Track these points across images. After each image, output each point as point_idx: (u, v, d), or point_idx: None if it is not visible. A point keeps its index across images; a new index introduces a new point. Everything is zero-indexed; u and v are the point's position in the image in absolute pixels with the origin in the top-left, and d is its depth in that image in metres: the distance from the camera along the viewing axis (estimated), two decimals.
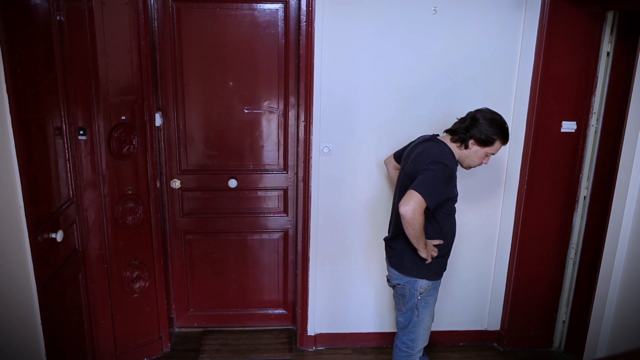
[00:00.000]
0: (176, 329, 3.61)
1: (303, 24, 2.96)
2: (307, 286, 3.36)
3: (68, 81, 2.54)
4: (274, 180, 3.37)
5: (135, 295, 3.13)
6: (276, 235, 3.49)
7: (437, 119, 3.13)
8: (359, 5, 2.93)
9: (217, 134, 3.27)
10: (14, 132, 1.97)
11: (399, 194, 2.57)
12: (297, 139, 3.26)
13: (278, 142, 3.31)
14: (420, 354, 2.76)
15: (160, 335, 3.32)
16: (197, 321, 3.63)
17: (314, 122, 3.07)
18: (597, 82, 3.08)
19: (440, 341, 3.55)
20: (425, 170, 2.39)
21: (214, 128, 3.26)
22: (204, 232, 3.45)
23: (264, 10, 3.08)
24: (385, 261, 2.77)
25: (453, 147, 2.52)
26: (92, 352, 2.90)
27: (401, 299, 2.64)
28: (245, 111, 3.24)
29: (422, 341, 2.71)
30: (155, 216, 3.11)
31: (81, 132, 2.67)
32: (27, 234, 2.06)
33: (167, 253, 3.43)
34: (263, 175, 3.37)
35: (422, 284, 2.58)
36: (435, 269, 2.59)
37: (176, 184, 3.33)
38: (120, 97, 2.82)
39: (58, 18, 2.43)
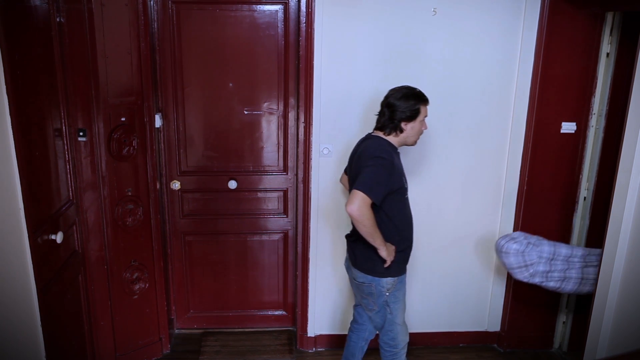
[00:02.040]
0: (176, 330, 3.61)
1: (303, 25, 2.96)
2: (307, 287, 3.36)
3: (68, 83, 2.54)
4: (273, 181, 3.37)
5: (135, 297, 3.12)
6: (276, 237, 3.49)
7: (437, 120, 3.13)
8: (358, 6, 2.93)
9: (217, 135, 3.27)
10: (13, 134, 1.97)
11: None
12: (297, 140, 3.26)
13: (278, 143, 3.31)
14: (405, 349, 2.78)
15: (160, 336, 3.32)
16: (197, 322, 3.62)
17: (313, 123, 3.07)
18: (596, 83, 3.08)
19: (440, 342, 3.55)
20: (364, 167, 2.45)
21: (213, 129, 3.26)
22: (204, 233, 3.45)
23: (264, 11, 3.08)
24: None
25: (390, 138, 2.57)
26: (92, 353, 2.90)
27: (370, 298, 2.66)
28: (245, 112, 3.24)
29: (403, 337, 2.73)
30: (155, 217, 3.11)
31: (81, 134, 2.67)
32: (27, 235, 2.06)
33: (167, 254, 3.43)
34: (263, 176, 3.37)
35: (387, 281, 2.60)
36: (397, 264, 2.60)
37: (176, 185, 3.33)
38: (120, 98, 2.82)
39: (58, 19, 2.44)
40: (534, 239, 2.76)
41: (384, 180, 2.43)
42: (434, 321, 3.51)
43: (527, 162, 3.13)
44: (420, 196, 3.24)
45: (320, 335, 3.48)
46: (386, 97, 2.57)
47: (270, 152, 3.33)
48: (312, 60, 2.98)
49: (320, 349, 3.49)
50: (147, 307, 3.20)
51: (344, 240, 3.29)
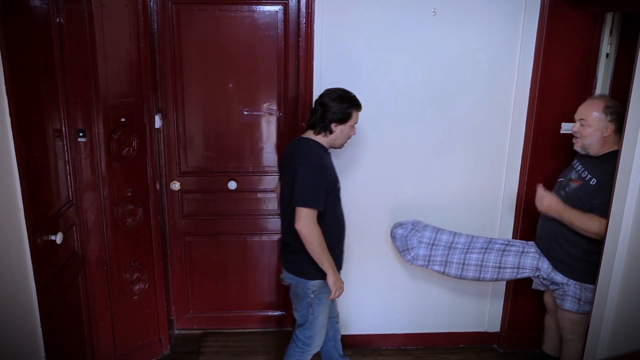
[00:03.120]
0: (176, 331, 3.61)
1: (302, 25, 2.96)
2: None
3: (68, 83, 2.54)
4: (273, 182, 3.36)
5: (135, 297, 3.12)
6: (276, 237, 3.49)
7: (437, 120, 3.14)
8: (358, 7, 2.93)
9: (216, 135, 3.27)
10: (13, 134, 1.97)
11: (282, 200, 2.64)
12: None
13: (278, 143, 3.31)
14: (315, 351, 2.79)
15: (160, 337, 3.31)
16: (197, 323, 3.62)
17: None
18: (596, 83, 3.08)
19: (439, 343, 3.55)
20: (297, 175, 2.46)
21: (213, 130, 3.26)
22: (204, 234, 3.45)
23: (264, 12, 3.08)
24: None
25: (319, 138, 2.58)
26: (91, 354, 2.90)
27: (296, 298, 2.68)
28: (245, 113, 3.24)
29: (319, 338, 2.74)
30: (155, 218, 3.11)
31: (81, 134, 2.67)
32: (26, 236, 2.06)
33: (167, 255, 3.43)
34: (263, 177, 3.37)
35: (314, 283, 2.61)
36: (335, 262, 2.61)
37: (176, 185, 3.33)
38: (119, 99, 2.82)
39: (58, 20, 2.44)
40: (420, 225, 2.97)
41: (319, 185, 2.46)
42: (433, 322, 3.51)
43: (527, 163, 3.13)
44: (420, 197, 3.24)
45: None
46: (320, 96, 2.58)
47: (270, 152, 3.33)
48: (312, 60, 2.98)
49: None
50: (147, 308, 3.20)
51: (344, 241, 3.30)
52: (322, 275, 2.59)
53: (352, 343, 3.50)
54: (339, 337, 2.97)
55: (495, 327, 3.54)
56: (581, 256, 2.66)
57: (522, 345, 3.47)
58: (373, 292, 3.42)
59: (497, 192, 3.30)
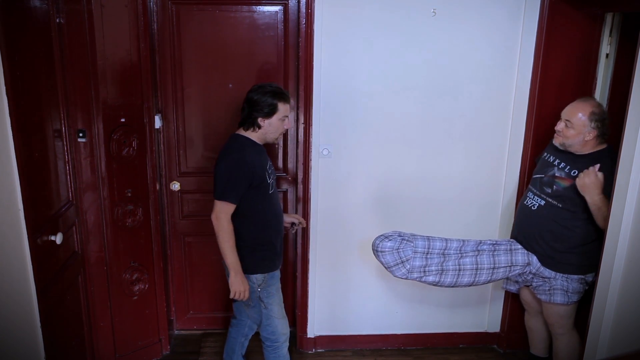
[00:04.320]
0: (176, 332, 3.61)
1: (302, 26, 2.96)
2: (307, 288, 3.35)
3: (67, 83, 2.54)
4: None
5: (135, 298, 3.12)
6: None
7: (437, 121, 3.14)
8: (358, 7, 2.93)
9: (216, 136, 3.27)
10: (13, 135, 1.97)
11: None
12: (297, 141, 3.25)
13: (277, 144, 3.31)
14: (286, 343, 2.82)
15: (160, 337, 3.31)
16: (197, 323, 3.62)
17: (313, 124, 3.07)
18: (596, 83, 3.08)
19: (439, 343, 3.55)
20: (216, 171, 2.55)
21: (213, 130, 3.26)
22: (204, 234, 3.43)
23: (264, 12, 3.08)
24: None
25: (249, 134, 2.62)
26: (91, 354, 2.89)
27: None
28: None
29: (283, 329, 2.78)
30: (155, 218, 3.11)
31: (80, 135, 2.67)
32: (26, 236, 2.06)
33: (167, 255, 3.42)
34: None
35: (257, 277, 2.64)
36: (264, 261, 2.66)
37: (176, 186, 3.33)
38: (119, 99, 2.82)
39: (58, 20, 2.43)
40: (407, 235, 2.79)
41: (236, 179, 2.50)
42: (433, 322, 3.51)
43: (527, 163, 3.13)
44: (420, 197, 3.24)
45: (320, 336, 3.47)
46: (247, 93, 2.61)
47: (269, 153, 3.32)
48: (312, 61, 2.98)
49: (320, 350, 3.49)
50: (147, 308, 3.20)
51: (344, 241, 3.31)
52: (263, 269, 2.65)
53: (352, 343, 3.50)
54: (247, 339, 2.97)
55: (495, 327, 3.54)
56: (566, 250, 2.71)
57: (522, 345, 3.46)
58: (373, 292, 3.42)
59: (497, 191, 3.30)
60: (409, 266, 2.74)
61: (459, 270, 2.77)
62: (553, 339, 2.94)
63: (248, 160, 2.53)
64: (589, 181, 2.54)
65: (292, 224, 3.01)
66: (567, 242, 2.70)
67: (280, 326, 2.77)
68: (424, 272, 2.77)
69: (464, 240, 2.84)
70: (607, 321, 2.34)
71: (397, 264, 2.75)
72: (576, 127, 2.61)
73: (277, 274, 2.76)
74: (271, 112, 2.57)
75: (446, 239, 2.82)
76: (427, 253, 2.77)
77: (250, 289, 2.64)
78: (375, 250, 2.78)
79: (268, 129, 2.61)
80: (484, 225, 3.34)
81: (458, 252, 2.80)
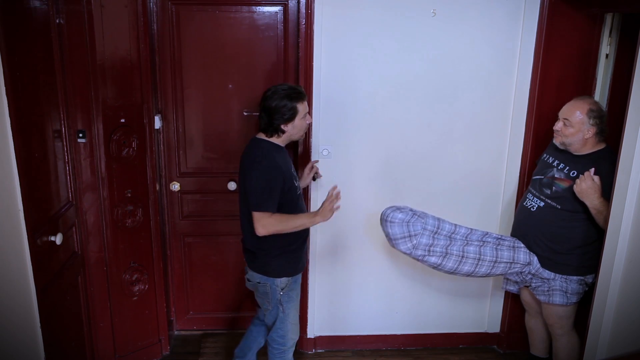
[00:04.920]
0: (175, 332, 3.61)
1: (302, 26, 2.96)
2: (307, 289, 3.35)
3: (67, 84, 2.54)
4: None
5: (135, 298, 3.12)
6: None
7: (437, 121, 3.14)
8: (358, 7, 2.93)
9: (216, 136, 3.27)
10: (13, 135, 1.97)
11: (239, 200, 2.66)
12: (297, 142, 3.25)
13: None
14: (293, 348, 2.82)
15: (160, 338, 3.31)
16: (197, 324, 3.62)
17: (313, 124, 3.07)
18: (596, 83, 3.08)
19: (439, 343, 3.55)
20: (248, 180, 2.50)
21: (213, 130, 3.26)
22: (204, 234, 3.44)
23: (263, 12, 3.08)
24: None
25: (273, 139, 2.57)
26: (91, 355, 2.89)
27: (265, 298, 2.70)
28: (245, 114, 3.24)
29: (293, 335, 2.77)
30: (155, 219, 3.11)
31: (80, 135, 2.67)
32: (26, 237, 2.06)
33: (167, 256, 3.42)
34: None
35: (282, 280, 2.63)
36: (290, 264, 2.64)
37: (175, 186, 3.33)
38: (119, 99, 2.81)
39: (57, 21, 2.43)
40: (419, 211, 2.74)
41: (272, 186, 2.47)
42: (433, 322, 3.51)
43: (527, 164, 3.13)
44: (420, 197, 3.24)
45: (320, 337, 3.47)
46: (263, 100, 2.55)
47: None
48: (312, 61, 2.98)
49: (320, 350, 3.49)
50: (147, 309, 3.20)
51: (344, 242, 3.31)
52: (288, 273, 2.63)
53: (352, 344, 3.50)
54: (264, 341, 2.94)
55: (495, 327, 3.54)
56: (565, 251, 2.71)
57: (522, 346, 3.46)
58: (373, 292, 3.41)
59: (497, 191, 3.30)
60: (415, 242, 2.67)
61: (462, 257, 2.74)
62: (553, 340, 2.94)
63: (277, 165, 2.50)
64: (586, 186, 2.54)
65: (313, 178, 2.99)
66: (566, 243, 2.70)
67: (292, 331, 2.75)
68: (429, 251, 2.71)
69: (471, 229, 2.82)
70: (607, 321, 2.34)
71: (404, 237, 2.68)
72: (575, 125, 2.61)
73: (299, 278, 2.75)
74: (292, 116, 2.51)
75: (455, 224, 2.79)
76: (436, 233, 2.72)
77: (272, 293, 2.64)
78: (385, 220, 2.69)
79: (292, 132, 2.56)
80: (483, 225, 3.32)
81: (464, 238, 2.78)
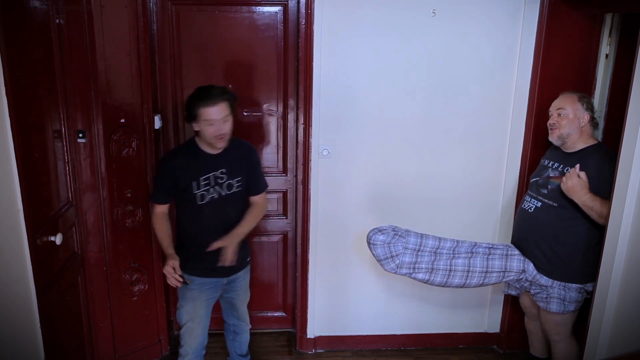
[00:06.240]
0: (175, 332, 3.60)
1: (302, 26, 2.96)
2: (307, 289, 3.35)
3: (67, 84, 2.54)
4: (273, 182, 3.36)
5: (135, 298, 3.12)
6: (275, 238, 3.48)
7: (436, 121, 3.14)
8: (358, 7, 2.93)
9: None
10: (13, 135, 1.97)
11: None
12: (297, 142, 3.25)
13: (277, 144, 3.31)
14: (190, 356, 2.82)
15: (160, 338, 3.31)
16: None
17: (313, 124, 3.07)
18: (595, 84, 3.08)
19: (439, 344, 3.55)
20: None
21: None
22: None
23: (263, 12, 3.08)
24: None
25: (199, 139, 2.59)
26: (91, 355, 2.89)
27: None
28: (245, 114, 3.24)
29: (187, 339, 2.79)
30: None
31: (80, 135, 2.67)
32: (26, 237, 2.06)
33: None
34: None
35: (184, 273, 2.60)
36: (189, 261, 2.63)
37: None
38: (119, 100, 2.82)
39: (57, 21, 2.43)
40: (402, 230, 2.78)
41: (158, 180, 2.69)
42: (433, 322, 3.51)
43: (527, 164, 3.13)
44: (420, 197, 3.24)
45: (320, 337, 3.47)
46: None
47: (269, 153, 3.32)
48: (312, 61, 2.98)
49: (320, 350, 3.49)
50: (147, 309, 3.20)
51: (344, 242, 3.31)
52: (188, 269, 2.62)
53: (351, 344, 3.50)
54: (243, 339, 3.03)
55: (495, 328, 3.54)
56: (564, 257, 2.69)
57: (522, 346, 3.46)
58: (373, 292, 3.41)
59: (497, 192, 3.30)
60: (398, 261, 2.73)
61: (450, 270, 2.75)
62: (551, 345, 2.93)
63: (171, 164, 2.58)
64: (571, 184, 2.54)
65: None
66: (567, 244, 2.67)
67: (186, 335, 2.81)
68: (414, 269, 2.75)
69: (458, 241, 2.81)
70: (607, 322, 2.34)
71: (387, 258, 2.74)
72: (570, 111, 2.63)
73: (204, 285, 2.69)
74: (193, 117, 2.46)
75: (440, 238, 2.80)
76: (419, 250, 2.75)
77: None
78: (369, 243, 2.78)
79: (202, 134, 2.51)
80: (483, 225, 3.34)
81: (451, 252, 2.77)
